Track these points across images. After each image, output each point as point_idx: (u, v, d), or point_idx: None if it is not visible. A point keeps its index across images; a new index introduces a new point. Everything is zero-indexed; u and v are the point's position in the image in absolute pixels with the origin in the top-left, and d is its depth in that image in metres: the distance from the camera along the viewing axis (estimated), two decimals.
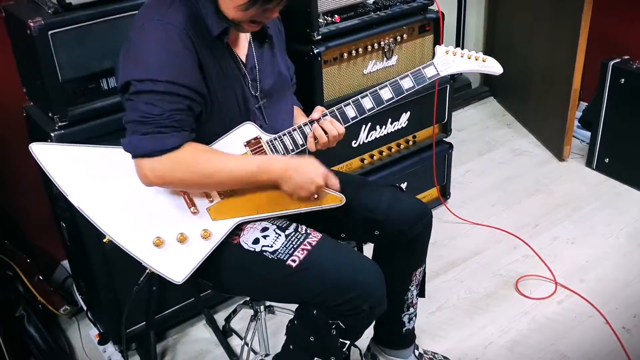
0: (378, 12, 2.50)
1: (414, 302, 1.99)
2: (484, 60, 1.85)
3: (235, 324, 2.35)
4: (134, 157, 1.47)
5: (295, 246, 1.57)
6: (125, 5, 1.91)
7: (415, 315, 2.03)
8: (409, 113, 2.71)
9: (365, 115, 1.76)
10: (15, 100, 2.19)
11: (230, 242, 1.62)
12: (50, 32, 1.80)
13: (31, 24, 1.78)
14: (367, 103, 1.75)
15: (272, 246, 1.58)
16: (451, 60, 1.82)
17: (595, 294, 2.50)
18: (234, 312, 2.30)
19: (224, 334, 2.35)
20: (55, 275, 2.62)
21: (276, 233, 1.61)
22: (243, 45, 1.67)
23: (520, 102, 3.84)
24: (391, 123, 2.68)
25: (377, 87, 1.77)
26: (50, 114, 1.91)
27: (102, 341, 2.35)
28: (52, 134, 1.90)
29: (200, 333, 2.43)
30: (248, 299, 2.01)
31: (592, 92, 3.31)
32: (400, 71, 2.64)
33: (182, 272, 1.56)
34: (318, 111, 1.72)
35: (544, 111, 3.54)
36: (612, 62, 3.09)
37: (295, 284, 1.57)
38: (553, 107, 3.42)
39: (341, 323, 1.58)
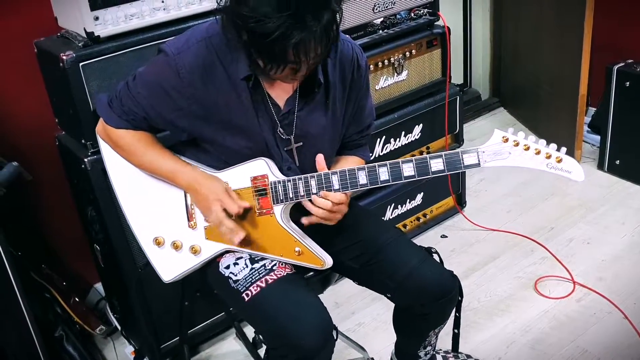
0: (386, 30, 2.61)
1: (432, 342, 1.97)
2: (558, 160, 1.49)
3: None
4: (97, 109, 1.73)
5: (253, 280, 1.63)
6: (148, 36, 2.03)
7: (434, 348, 2.02)
8: (421, 125, 2.81)
9: (378, 185, 1.61)
10: (47, 131, 2.31)
11: (214, 259, 1.74)
12: (81, 64, 1.93)
13: (64, 57, 1.90)
14: (384, 174, 1.59)
15: (236, 275, 1.67)
16: (506, 151, 1.50)
17: (613, 291, 2.56)
18: None
19: (254, 345, 2.42)
20: (89, 298, 2.73)
21: (245, 264, 1.69)
22: (286, 87, 1.63)
23: (530, 110, 3.92)
24: (405, 135, 2.78)
25: (399, 160, 1.58)
26: (83, 141, 2.03)
27: (138, 358, 2.44)
28: (85, 160, 2.02)
29: (231, 346, 2.51)
30: None
31: (600, 96, 3.39)
32: (411, 85, 2.75)
33: (170, 274, 1.77)
34: (320, 165, 1.63)
35: (554, 118, 3.62)
36: (616, 67, 3.17)
37: (247, 316, 1.70)
38: (562, 114, 3.50)
39: None
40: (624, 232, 2.92)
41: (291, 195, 1.65)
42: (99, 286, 2.73)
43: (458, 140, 3.00)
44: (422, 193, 2.93)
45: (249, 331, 2.47)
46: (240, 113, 1.60)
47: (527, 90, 3.86)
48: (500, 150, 1.50)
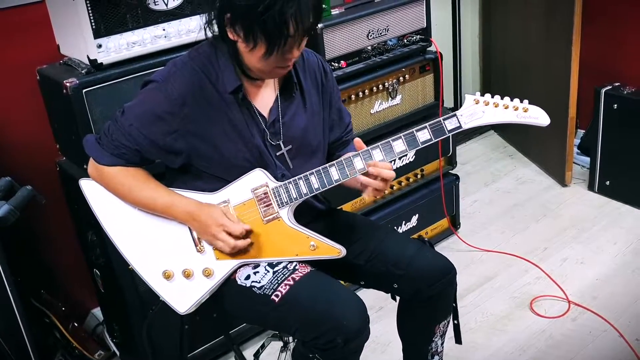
0: (381, 56, 2.67)
1: (438, 350, 1.99)
2: (525, 110, 1.65)
3: (263, 359, 2.43)
4: (85, 150, 1.76)
5: (279, 281, 1.65)
6: (150, 63, 2.08)
7: (441, 359, 2.03)
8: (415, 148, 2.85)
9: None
10: (47, 156, 2.34)
11: (228, 278, 1.75)
12: (84, 91, 1.96)
13: (67, 84, 1.94)
14: (377, 155, 1.69)
15: (260, 282, 1.68)
16: (480, 110, 1.66)
17: (607, 309, 2.59)
18: (262, 347, 2.38)
19: None
20: (87, 323, 2.73)
21: (265, 269, 1.71)
22: (268, 97, 1.74)
23: (520, 133, 3.98)
24: (399, 159, 2.82)
25: (389, 140, 1.69)
26: (84, 166, 2.04)
27: None
28: None
29: None
30: (277, 332, 2.11)
31: (589, 118, 3.46)
32: (405, 109, 2.80)
33: (186, 305, 1.73)
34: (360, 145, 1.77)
35: (544, 140, 3.68)
36: (604, 89, 3.25)
37: (279, 318, 1.68)
38: (552, 136, 3.56)
39: (319, 357, 1.63)
40: (616, 251, 2.97)
41: (295, 196, 1.70)
42: (96, 311, 2.73)
43: (451, 162, 3.05)
44: (417, 215, 2.96)
45: (249, 355, 2.48)
46: (233, 124, 1.68)
47: None
48: (475, 111, 1.65)
